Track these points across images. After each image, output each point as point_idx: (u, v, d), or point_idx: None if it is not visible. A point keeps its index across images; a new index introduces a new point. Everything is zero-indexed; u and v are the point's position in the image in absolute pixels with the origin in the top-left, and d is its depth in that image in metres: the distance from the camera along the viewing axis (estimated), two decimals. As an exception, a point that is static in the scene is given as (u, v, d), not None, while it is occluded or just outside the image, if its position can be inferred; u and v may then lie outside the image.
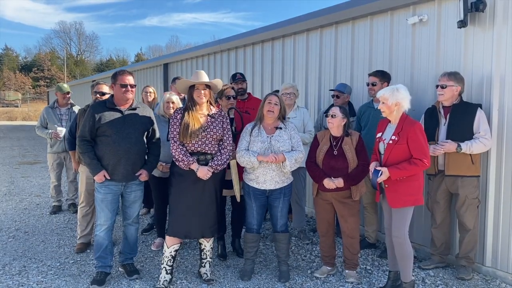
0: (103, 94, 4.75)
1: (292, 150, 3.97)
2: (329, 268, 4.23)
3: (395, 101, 3.58)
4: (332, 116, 3.96)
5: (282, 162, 3.90)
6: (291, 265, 4.40)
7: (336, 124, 3.95)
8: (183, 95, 4.95)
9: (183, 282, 4.02)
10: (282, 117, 4.07)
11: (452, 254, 4.39)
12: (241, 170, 4.18)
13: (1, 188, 8.07)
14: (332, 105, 5.20)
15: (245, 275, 4.11)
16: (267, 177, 3.97)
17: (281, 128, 4.02)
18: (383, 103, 3.65)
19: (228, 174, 4.18)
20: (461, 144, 3.91)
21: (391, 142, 3.62)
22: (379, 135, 3.79)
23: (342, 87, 5.20)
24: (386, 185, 3.63)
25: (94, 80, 21.10)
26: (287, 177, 4.05)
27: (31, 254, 4.71)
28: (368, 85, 4.74)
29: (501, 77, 3.98)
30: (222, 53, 8.81)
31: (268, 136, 3.98)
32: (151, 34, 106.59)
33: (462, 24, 4.06)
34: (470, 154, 3.96)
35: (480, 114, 3.95)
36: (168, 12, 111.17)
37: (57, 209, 6.40)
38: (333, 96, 5.22)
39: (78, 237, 4.86)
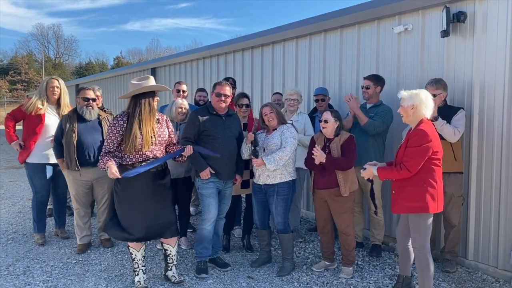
0: (94, 100, 4.82)
1: (280, 146, 4.20)
2: (327, 263, 4.46)
3: (411, 103, 3.39)
4: (324, 121, 4.19)
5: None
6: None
7: (330, 128, 4.18)
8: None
9: (160, 287, 4.04)
10: (282, 118, 4.32)
11: (437, 249, 4.65)
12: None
13: (-9, 193, 8.05)
14: (315, 109, 5.46)
15: (254, 263, 4.59)
16: (259, 171, 4.29)
17: (276, 130, 4.29)
18: (401, 106, 3.49)
19: (246, 174, 4.41)
20: (439, 117, 4.12)
21: (399, 147, 3.54)
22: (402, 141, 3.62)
23: (324, 91, 5.36)
24: (393, 191, 3.55)
25: (78, 85, 20.78)
26: (281, 174, 4.22)
27: (33, 255, 4.80)
28: (362, 88, 4.91)
29: (481, 83, 4.27)
30: (211, 58, 8.98)
31: (266, 137, 4.32)
32: (132, 38, 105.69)
33: (445, 33, 4.33)
34: (453, 151, 4.21)
35: (461, 113, 4.20)
36: (150, 17, 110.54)
37: (52, 212, 6.41)
38: (317, 100, 5.36)
39: (78, 239, 4.94)
